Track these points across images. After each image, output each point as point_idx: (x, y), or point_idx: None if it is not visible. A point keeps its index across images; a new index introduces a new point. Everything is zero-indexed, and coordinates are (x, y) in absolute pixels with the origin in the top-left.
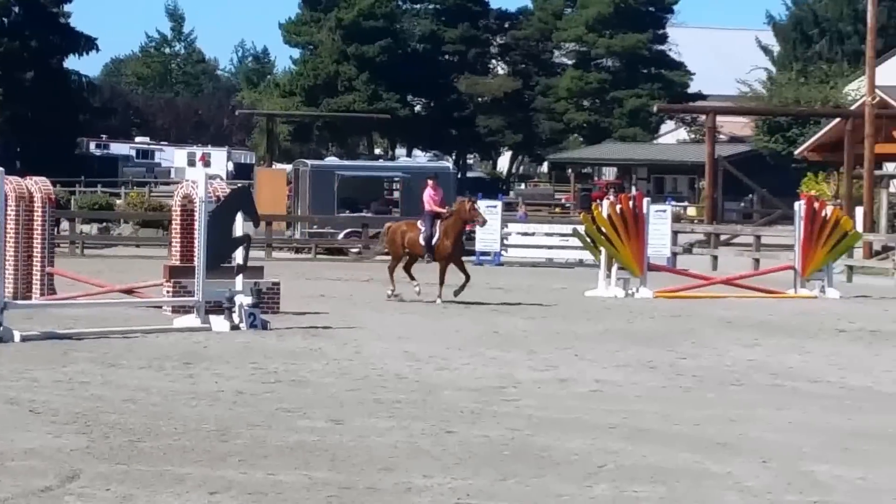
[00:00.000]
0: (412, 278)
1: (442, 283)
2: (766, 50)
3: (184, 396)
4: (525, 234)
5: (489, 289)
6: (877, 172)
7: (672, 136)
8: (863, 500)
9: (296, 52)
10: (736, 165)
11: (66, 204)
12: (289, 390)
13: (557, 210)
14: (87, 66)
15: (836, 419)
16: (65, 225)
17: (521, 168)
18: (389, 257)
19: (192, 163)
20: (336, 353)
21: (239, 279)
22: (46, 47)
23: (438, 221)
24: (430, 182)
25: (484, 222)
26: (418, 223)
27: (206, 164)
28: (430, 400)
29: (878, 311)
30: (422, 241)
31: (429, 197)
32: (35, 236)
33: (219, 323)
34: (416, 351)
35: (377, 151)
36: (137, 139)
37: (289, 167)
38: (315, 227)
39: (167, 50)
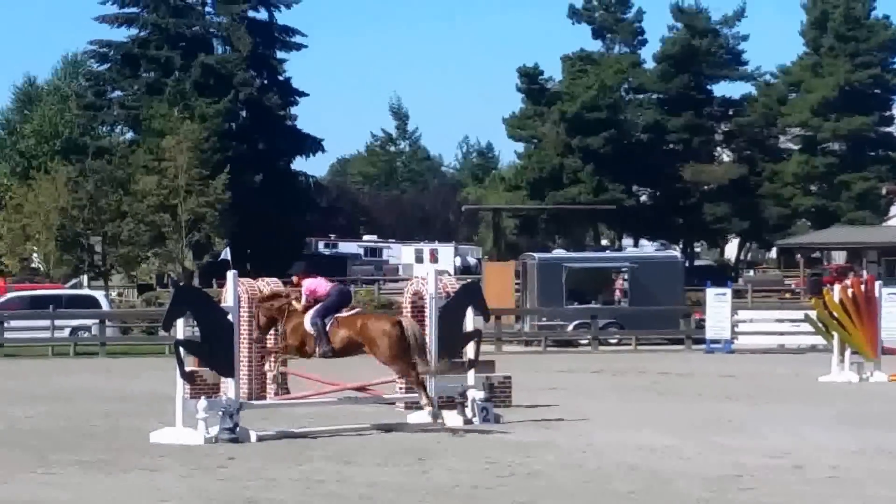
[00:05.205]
0: None
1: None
2: None
3: (419, 492)
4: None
5: (719, 377)
6: None
7: None
8: None
9: (520, 147)
10: None
11: None
12: (523, 483)
13: (787, 295)
14: (313, 166)
15: None
16: None
17: (749, 254)
18: None
19: (419, 259)
20: (568, 444)
21: (471, 374)
22: (274, 150)
23: None
24: None
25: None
26: None
27: (435, 260)
28: (664, 490)
29: None
30: None
31: None
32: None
33: (452, 418)
34: (648, 440)
35: (604, 242)
36: (365, 237)
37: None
38: (544, 319)
39: (392, 148)
